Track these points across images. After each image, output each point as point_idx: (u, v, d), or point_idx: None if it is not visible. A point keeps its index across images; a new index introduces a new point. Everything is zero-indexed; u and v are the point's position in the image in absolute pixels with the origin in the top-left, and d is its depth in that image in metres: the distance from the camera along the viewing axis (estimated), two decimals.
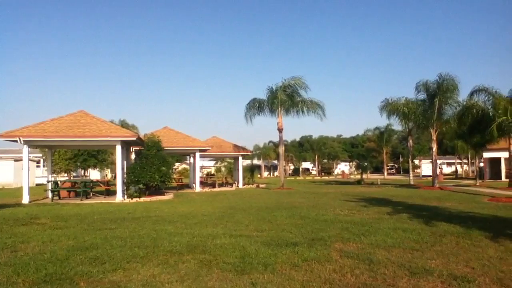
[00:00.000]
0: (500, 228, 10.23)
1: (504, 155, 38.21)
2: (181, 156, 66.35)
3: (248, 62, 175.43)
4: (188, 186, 32.84)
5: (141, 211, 14.87)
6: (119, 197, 20.03)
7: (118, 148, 20.31)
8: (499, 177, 43.10)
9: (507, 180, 32.61)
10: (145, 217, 12.95)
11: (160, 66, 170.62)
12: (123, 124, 49.03)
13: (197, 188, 28.41)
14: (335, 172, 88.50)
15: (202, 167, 58.87)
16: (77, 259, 6.98)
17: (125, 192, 20.93)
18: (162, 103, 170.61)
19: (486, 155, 43.73)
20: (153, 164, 21.21)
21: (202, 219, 12.16)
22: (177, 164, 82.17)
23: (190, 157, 35.77)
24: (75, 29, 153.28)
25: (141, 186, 21.60)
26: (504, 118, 19.41)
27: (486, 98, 21.66)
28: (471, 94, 22.58)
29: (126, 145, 22.43)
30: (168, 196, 22.01)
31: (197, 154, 29.40)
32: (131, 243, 8.38)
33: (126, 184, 21.24)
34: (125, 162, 22.05)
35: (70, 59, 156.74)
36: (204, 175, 44.89)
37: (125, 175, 21.30)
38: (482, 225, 10.49)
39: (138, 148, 24.15)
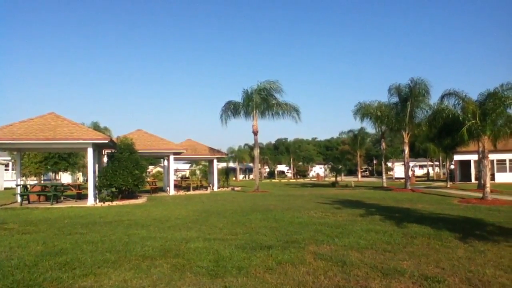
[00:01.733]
0: (469, 229, 10.49)
1: (473, 157, 39.20)
2: (155, 159, 65.71)
3: (223, 65, 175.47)
4: (162, 189, 32.47)
5: (113, 215, 14.60)
6: (90, 201, 19.65)
7: (90, 151, 19.93)
8: (469, 179, 44.21)
9: (477, 182, 33.47)
10: (117, 221, 12.72)
11: (134, 68, 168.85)
12: (95, 127, 48.07)
13: (171, 191, 28.15)
14: (310, 175, 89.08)
15: (176, 170, 58.43)
16: (46, 264, 6.80)
17: (97, 196, 20.53)
18: (136, 106, 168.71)
19: (457, 157, 44.75)
20: (126, 167, 20.89)
21: (175, 223, 12.03)
22: (151, 167, 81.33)
23: (164, 160, 35.42)
24: (45, 29, 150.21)
25: (113, 189, 21.23)
26: (473, 121, 19.87)
27: (456, 102, 22.10)
28: (442, 97, 23.00)
29: (98, 148, 22.06)
30: (142, 199, 21.71)
31: (171, 157, 29.14)
32: (103, 247, 8.23)
33: (98, 188, 20.85)
34: (97, 165, 21.69)
35: (41, 60, 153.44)
36: (179, 178, 44.43)
37: (97, 179, 20.94)
38: (452, 226, 10.73)
39: (110, 151, 23.75)
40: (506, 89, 20.57)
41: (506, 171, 43.27)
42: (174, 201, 21.72)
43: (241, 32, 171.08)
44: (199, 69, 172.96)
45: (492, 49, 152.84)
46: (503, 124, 20.68)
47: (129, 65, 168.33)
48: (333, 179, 47.66)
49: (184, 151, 30.34)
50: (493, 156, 38.91)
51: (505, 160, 43.16)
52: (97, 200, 20.15)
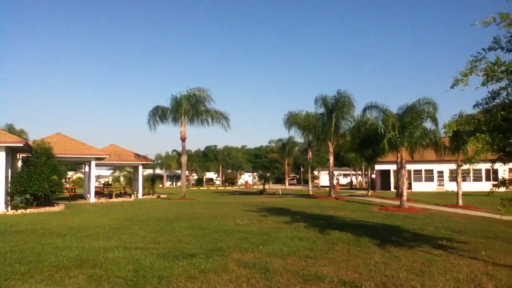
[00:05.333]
0: (387, 235, 11.02)
1: (393, 167, 41.41)
2: (76, 164, 62.66)
3: (151, 69, 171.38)
4: (82, 196, 30.98)
5: (26, 223, 13.73)
6: (1, 209, 18.36)
7: (2, 155, 18.63)
8: (388, 187, 46.64)
9: (395, 190, 35.38)
10: (30, 230, 11.99)
11: (54, 68, 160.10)
12: (10, 129, 44.84)
13: (92, 198, 26.98)
14: (239, 182, 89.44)
15: (98, 177, 56.02)
16: None
17: (9, 203, 19.17)
18: (57, 108, 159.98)
19: (378, 167, 47.11)
20: (42, 172, 19.72)
21: (94, 232, 11.55)
22: (71, 173, 77.41)
23: (85, 166, 33.83)
24: None
25: (28, 196, 19.92)
26: (393, 133, 20.99)
27: (378, 114, 23.34)
28: (364, 110, 24.23)
29: (12, 151, 20.66)
30: (59, 207, 20.59)
31: (93, 163, 27.98)
32: (12, 258, 7.77)
33: (11, 194, 19.49)
34: (10, 170, 20.23)
35: None
36: (101, 185, 42.55)
37: (9, 185, 19.56)
38: (371, 233, 11.21)
39: (26, 155, 22.28)
40: (423, 103, 22.08)
41: (422, 181, 46.31)
42: (95, 208, 20.83)
43: (170, 36, 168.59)
44: (124, 72, 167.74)
45: (414, 64, 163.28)
46: (420, 137, 22.00)
47: (49, 65, 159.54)
48: (261, 187, 48.16)
49: (107, 156, 29.25)
50: (410, 167, 41.40)
51: (421, 170, 46.20)
52: (9, 208, 18.86)
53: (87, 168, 31.49)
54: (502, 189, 7.10)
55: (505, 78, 6.55)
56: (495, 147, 6.38)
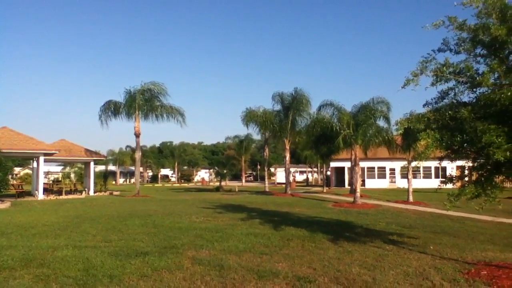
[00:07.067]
0: (340, 231, 11.23)
1: (347, 164, 42.33)
2: (24, 160, 60.00)
3: (103, 63, 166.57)
4: (30, 193, 29.74)
5: None
6: None
7: None
8: (343, 184, 47.67)
9: (350, 187, 36.17)
10: None
11: (1, 61, 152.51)
12: None
13: (41, 195, 25.94)
14: (195, 179, 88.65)
15: (48, 173, 53.96)
16: None
17: None
18: (3, 101, 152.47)
19: (333, 164, 48.03)
20: None
21: (42, 230, 11.08)
22: (18, 169, 74.03)
23: (34, 162, 32.47)
24: None
25: None
26: (347, 131, 21.42)
27: (333, 112, 23.76)
28: (320, 108, 24.64)
29: None
30: (4, 204, 19.69)
31: (41, 158, 26.91)
32: None
33: None
34: None
35: None
36: (50, 182, 40.97)
37: None
38: (326, 229, 11.40)
39: None
40: (376, 102, 22.66)
41: (374, 178, 47.67)
42: (43, 206, 19.99)
43: (124, 30, 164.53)
44: (75, 65, 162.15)
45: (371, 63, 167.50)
46: (373, 135, 22.56)
47: None
48: (217, 183, 47.94)
49: (57, 152, 28.23)
50: (364, 164, 42.46)
51: (374, 168, 47.52)
52: None
53: (35, 164, 30.24)
54: (450, 185, 7.37)
55: (452, 79, 6.78)
56: (444, 144, 6.60)
